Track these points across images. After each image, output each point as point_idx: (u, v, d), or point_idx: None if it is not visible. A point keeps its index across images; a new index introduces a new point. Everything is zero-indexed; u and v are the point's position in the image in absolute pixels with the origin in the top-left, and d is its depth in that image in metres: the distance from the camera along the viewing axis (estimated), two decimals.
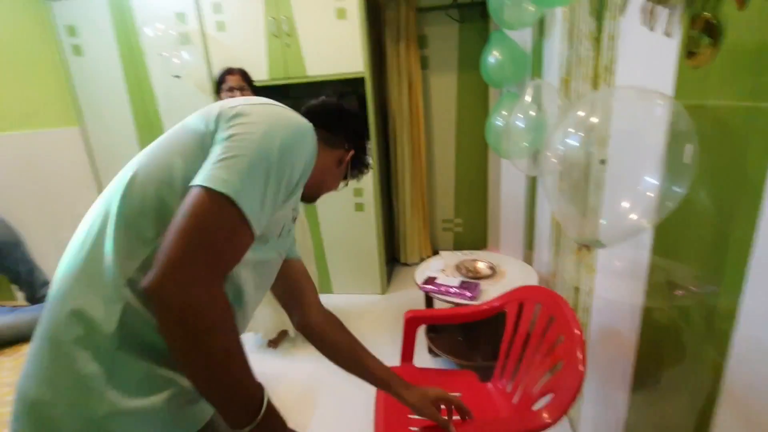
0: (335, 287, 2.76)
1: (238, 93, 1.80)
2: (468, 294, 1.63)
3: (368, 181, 2.47)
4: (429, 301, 1.92)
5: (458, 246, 3.29)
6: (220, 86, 1.81)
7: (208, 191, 0.53)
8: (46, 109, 2.44)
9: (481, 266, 1.91)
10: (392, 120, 2.84)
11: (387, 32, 2.69)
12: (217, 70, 2.38)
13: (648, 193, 0.77)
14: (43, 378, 0.57)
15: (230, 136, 0.58)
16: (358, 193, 2.50)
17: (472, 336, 1.91)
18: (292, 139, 0.61)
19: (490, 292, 1.69)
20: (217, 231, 0.53)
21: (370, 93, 2.33)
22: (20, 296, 1.78)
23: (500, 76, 2.17)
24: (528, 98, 1.44)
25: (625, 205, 0.81)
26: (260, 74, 2.35)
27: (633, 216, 0.79)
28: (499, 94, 2.71)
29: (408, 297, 2.64)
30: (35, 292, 1.72)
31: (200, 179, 0.54)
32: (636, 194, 0.80)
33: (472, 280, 1.77)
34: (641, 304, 1.06)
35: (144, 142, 2.61)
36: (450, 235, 3.30)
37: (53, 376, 0.56)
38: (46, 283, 1.75)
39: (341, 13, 2.21)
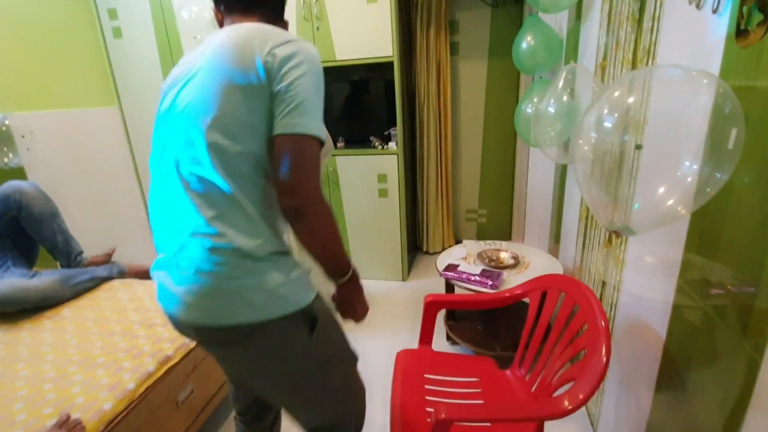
0: None
1: None
2: (489, 282, 1.61)
3: (392, 167, 2.46)
4: (450, 288, 1.91)
5: (481, 237, 3.25)
6: None
7: (301, 137, 0.74)
8: (86, 89, 2.55)
9: (504, 256, 1.88)
10: (419, 106, 2.81)
11: (417, 16, 2.65)
12: None
13: (687, 179, 0.74)
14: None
15: (290, 85, 0.75)
16: (382, 178, 2.50)
17: (492, 325, 1.90)
18: (319, 66, 0.81)
19: (513, 282, 1.66)
20: (316, 159, 0.76)
21: (398, 78, 2.31)
22: (58, 265, 1.89)
23: (533, 63, 2.10)
24: (561, 83, 1.40)
25: (661, 190, 0.78)
26: None
27: (669, 202, 0.76)
28: (531, 81, 2.64)
29: (429, 285, 2.63)
30: (70, 261, 1.81)
31: (292, 128, 0.74)
32: (673, 179, 0.76)
33: (494, 269, 1.75)
34: (671, 301, 1.02)
35: None
36: (473, 226, 3.26)
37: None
38: (80, 253, 1.84)
39: None
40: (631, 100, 0.79)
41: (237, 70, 0.74)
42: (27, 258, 1.77)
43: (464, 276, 1.67)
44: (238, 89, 0.74)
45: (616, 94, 0.81)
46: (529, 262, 1.87)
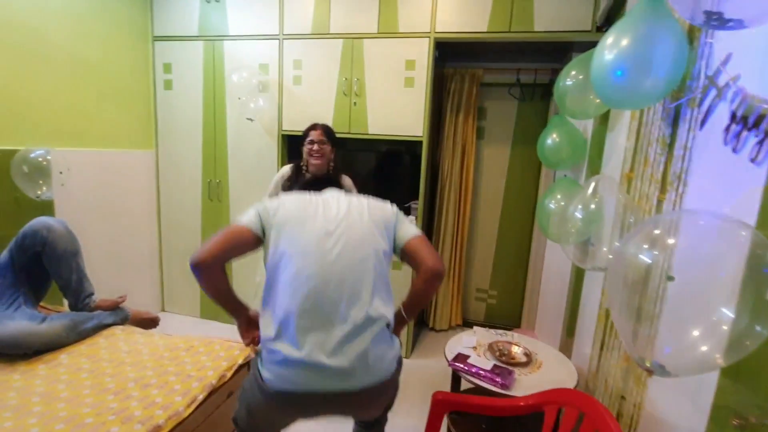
0: None
1: (317, 146, 1.99)
2: (500, 381, 1.53)
3: None
4: (456, 378, 1.82)
5: (490, 318, 3.16)
6: (304, 138, 2.03)
7: (421, 235, 1.24)
8: (129, 131, 2.69)
9: (517, 351, 1.81)
10: (441, 183, 2.88)
11: (448, 101, 2.81)
12: (287, 119, 2.56)
13: (722, 326, 0.72)
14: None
15: (400, 219, 1.27)
16: None
17: (498, 426, 1.77)
18: None
19: (524, 382, 1.58)
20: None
21: (425, 157, 2.39)
22: (65, 303, 1.87)
23: (556, 158, 2.17)
24: (590, 191, 1.42)
25: (695, 333, 0.75)
26: None
27: (703, 348, 0.73)
28: (552, 174, 2.71)
29: (433, 366, 2.52)
30: (79, 301, 1.79)
31: (413, 232, 1.23)
32: (707, 323, 0.74)
33: (505, 366, 1.67)
34: (702, 430, 0.95)
35: (207, 173, 2.78)
36: (482, 306, 3.19)
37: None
38: (90, 295, 1.83)
39: (409, 82, 2.34)
40: (669, 241, 0.79)
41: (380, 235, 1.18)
42: (36, 293, 1.76)
43: (474, 370, 1.60)
44: (382, 254, 1.16)
45: (656, 232, 0.81)
46: (542, 361, 1.79)
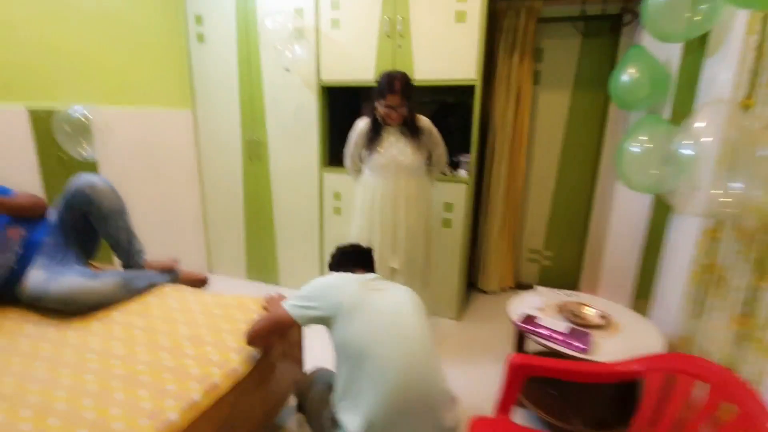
0: None
1: (396, 113, 1.80)
2: (578, 345, 1.37)
3: (460, 196, 2.29)
4: (519, 341, 1.68)
5: (544, 281, 2.96)
6: (379, 95, 1.80)
7: None
8: (165, 89, 2.60)
9: (590, 313, 1.63)
10: (492, 134, 2.64)
11: (501, 41, 2.51)
12: (326, 68, 2.38)
13: None
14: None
15: None
16: (448, 207, 2.33)
17: (570, 392, 1.63)
18: None
19: (604, 347, 1.42)
20: None
21: (478, 103, 2.16)
22: (117, 262, 1.85)
23: (633, 97, 1.89)
24: (701, 124, 1.17)
25: None
26: (366, 74, 2.30)
27: None
28: (623, 117, 2.40)
29: (486, 330, 2.39)
30: (130, 259, 1.77)
31: None
32: None
33: (580, 328, 1.51)
34: None
35: (246, 132, 2.68)
36: (535, 268, 2.99)
37: None
38: (140, 252, 1.80)
39: (461, 16, 2.07)
40: None
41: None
42: (87, 252, 1.74)
43: (547, 333, 1.44)
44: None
45: None
46: (618, 323, 1.61)
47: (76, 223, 1.64)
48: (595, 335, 1.48)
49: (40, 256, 1.55)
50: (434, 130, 1.94)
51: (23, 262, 1.53)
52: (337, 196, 2.56)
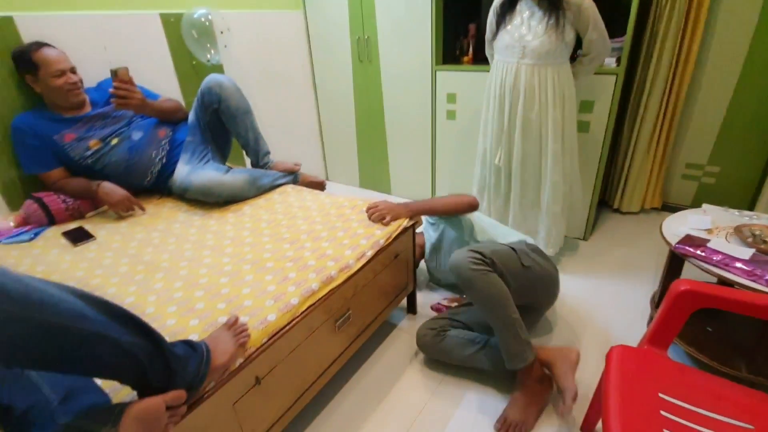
0: None
1: None
2: (765, 276, 1.06)
3: (605, 93, 1.86)
4: (673, 268, 1.39)
5: (700, 202, 2.41)
6: None
7: None
8: None
9: None
10: (657, 13, 2.02)
11: None
12: None
13: None
14: None
15: None
16: (586, 106, 1.94)
17: (732, 331, 1.34)
18: None
19: None
20: None
21: None
22: (247, 163, 1.99)
23: None
24: None
25: None
26: None
27: None
28: None
29: (622, 253, 2.08)
30: (259, 159, 1.87)
31: None
32: None
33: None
34: None
35: (355, 29, 2.50)
36: (692, 186, 2.43)
37: None
38: (267, 153, 1.89)
39: None
40: None
41: None
42: (222, 151, 1.88)
43: (721, 259, 1.14)
44: None
45: None
46: None
47: (210, 123, 1.75)
48: None
49: (184, 154, 1.71)
50: (588, 6, 1.52)
51: (171, 158, 1.72)
52: (451, 98, 2.32)
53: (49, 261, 1.29)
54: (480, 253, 1.21)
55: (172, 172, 1.70)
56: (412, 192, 2.78)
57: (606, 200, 2.59)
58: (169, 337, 0.80)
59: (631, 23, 1.73)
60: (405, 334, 1.60)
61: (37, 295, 0.60)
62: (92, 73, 1.70)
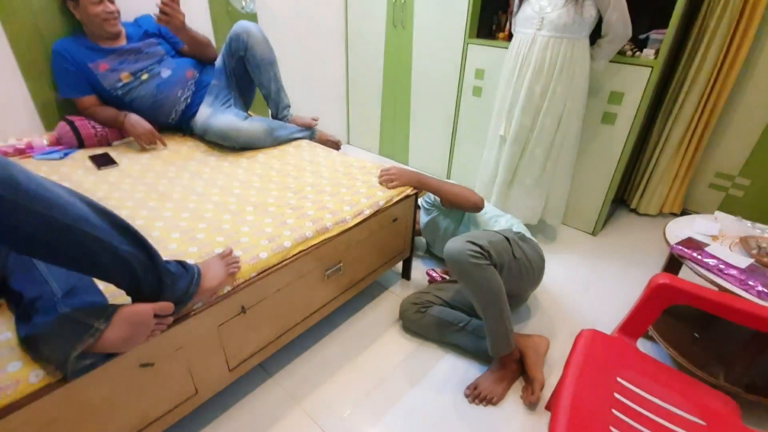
0: None
1: None
2: (757, 287, 1.04)
3: (637, 85, 1.79)
4: (671, 269, 1.38)
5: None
6: None
7: None
8: None
9: None
10: (709, 7, 1.90)
11: None
12: None
13: None
14: None
15: None
16: (615, 98, 1.87)
17: (719, 339, 1.33)
18: None
19: None
20: None
21: None
22: (269, 114, 2.03)
23: None
24: None
25: None
26: None
27: None
28: None
29: (627, 252, 2.06)
30: (278, 111, 1.91)
31: None
32: None
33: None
34: None
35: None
36: (717, 196, 2.34)
37: None
38: (287, 107, 1.93)
39: None
40: None
41: None
42: (245, 100, 1.93)
43: (713, 264, 1.13)
44: None
45: None
46: None
47: (236, 69, 1.79)
48: None
49: (208, 96, 1.77)
50: None
51: (195, 99, 1.78)
52: (479, 74, 2.27)
53: (74, 179, 1.39)
54: (478, 245, 1.18)
55: (196, 112, 1.76)
56: (428, 167, 2.78)
57: (624, 199, 2.52)
58: (168, 258, 0.87)
59: (675, 15, 1.65)
60: (395, 298, 1.66)
61: (48, 194, 0.67)
62: (132, 8, 1.76)
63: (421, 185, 1.49)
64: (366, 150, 3.16)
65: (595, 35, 1.69)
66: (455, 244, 1.20)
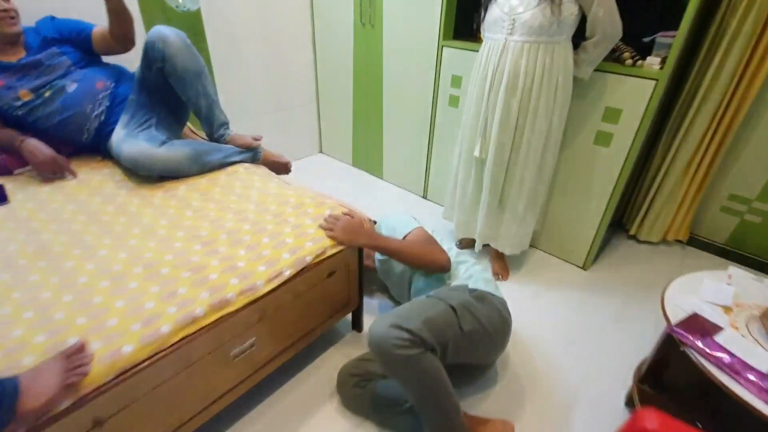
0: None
1: None
2: None
3: (638, 100, 1.49)
4: (665, 345, 1.10)
5: (739, 242, 2.04)
6: None
7: None
8: None
9: None
10: (728, 7, 1.59)
11: None
12: None
13: None
14: None
15: None
16: (611, 116, 1.58)
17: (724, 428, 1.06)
18: None
19: None
20: None
21: None
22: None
23: None
24: None
25: None
26: None
27: None
28: None
29: (621, 290, 1.78)
30: (213, 130, 1.64)
31: None
32: None
33: None
34: None
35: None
36: (731, 222, 2.04)
37: None
38: (224, 125, 1.65)
39: None
40: None
41: None
42: (177, 117, 1.65)
43: (728, 362, 0.85)
44: None
45: None
46: None
47: (157, 81, 1.51)
48: None
49: (124, 114, 1.50)
50: None
51: (111, 115, 1.51)
52: (456, 81, 1.98)
53: None
54: (406, 329, 0.93)
55: (113, 130, 1.49)
56: (404, 182, 2.50)
57: (623, 223, 2.23)
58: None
59: (688, 13, 1.34)
60: (341, 358, 1.39)
61: None
62: (33, 9, 1.49)
63: (370, 248, 1.22)
64: (339, 160, 2.88)
65: (578, 38, 1.40)
66: (378, 329, 0.94)
